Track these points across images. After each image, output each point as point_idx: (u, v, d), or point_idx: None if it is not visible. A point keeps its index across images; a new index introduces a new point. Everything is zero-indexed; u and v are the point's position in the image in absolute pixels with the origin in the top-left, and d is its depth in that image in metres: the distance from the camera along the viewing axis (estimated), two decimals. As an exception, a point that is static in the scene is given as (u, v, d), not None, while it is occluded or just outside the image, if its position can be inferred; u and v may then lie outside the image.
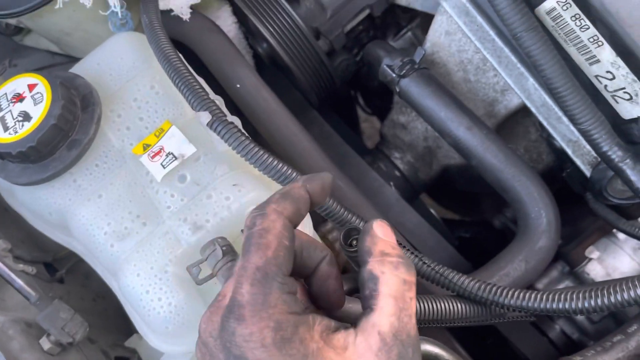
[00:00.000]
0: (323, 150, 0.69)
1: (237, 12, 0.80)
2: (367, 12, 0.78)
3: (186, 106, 0.62)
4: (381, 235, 0.42)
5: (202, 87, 0.59)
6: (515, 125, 0.78)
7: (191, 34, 0.73)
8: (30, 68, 0.83)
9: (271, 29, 0.75)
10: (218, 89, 0.70)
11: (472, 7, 0.66)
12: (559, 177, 0.79)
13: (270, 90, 0.71)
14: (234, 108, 0.71)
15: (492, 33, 0.66)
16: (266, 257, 0.37)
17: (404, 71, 0.69)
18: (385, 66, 0.70)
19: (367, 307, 0.39)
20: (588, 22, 0.54)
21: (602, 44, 0.55)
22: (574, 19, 0.55)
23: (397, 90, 0.70)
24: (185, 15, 0.73)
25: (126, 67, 0.65)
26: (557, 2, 0.55)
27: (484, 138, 0.65)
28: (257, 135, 0.68)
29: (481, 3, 0.66)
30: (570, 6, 0.54)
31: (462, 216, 1.27)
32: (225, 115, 0.57)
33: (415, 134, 0.84)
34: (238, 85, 0.71)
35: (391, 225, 0.43)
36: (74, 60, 0.83)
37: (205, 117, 0.57)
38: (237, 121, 0.58)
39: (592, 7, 0.52)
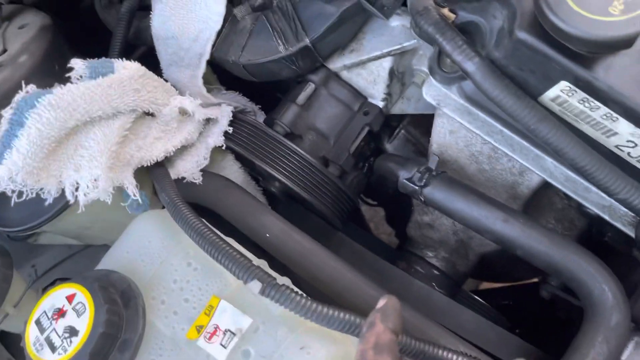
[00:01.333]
0: (366, 276, 0.68)
1: (241, 158, 0.82)
2: (367, 130, 0.80)
3: (228, 275, 0.61)
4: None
5: (241, 254, 0.58)
6: (539, 199, 0.79)
7: (207, 195, 0.73)
8: (49, 265, 0.82)
9: (282, 170, 0.76)
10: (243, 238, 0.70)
11: (472, 107, 0.69)
12: (595, 238, 0.79)
13: (299, 230, 0.71)
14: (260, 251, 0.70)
15: (498, 125, 0.68)
16: None
17: (424, 180, 0.70)
18: (404, 180, 0.71)
19: None
20: (598, 103, 0.56)
21: (617, 119, 0.56)
22: (581, 102, 0.57)
23: (422, 199, 0.71)
24: (197, 179, 0.73)
25: (156, 250, 0.65)
26: (560, 90, 0.58)
27: (523, 227, 0.65)
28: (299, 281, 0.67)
29: (479, 100, 0.69)
30: (576, 92, 0.57)
31: (496, 282, 1.25)
32: (274, 279, 0.56)
33: (443, 230, 0.84)
34: (267, 235, 0.70)
35: None
36: (91, 245, 0.82)
37: (256, 286, 0.56)
38: (287, 281, 0.57)
39: (600, 90, 0.54)
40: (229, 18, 0.79)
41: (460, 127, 0.73)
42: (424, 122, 0.83)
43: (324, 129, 0.80)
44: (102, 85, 0.64)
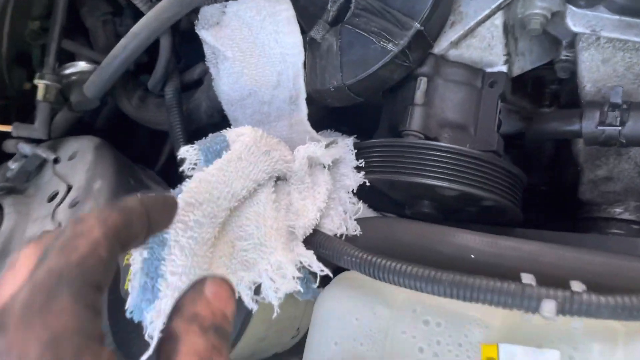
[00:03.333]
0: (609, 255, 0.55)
1: (374, 188, 0.69)
2: (500, 102, 0.68)
3: (484, 314, 0.47)
4: (210, 295, 0.35)
5: (494, 281, 0.45)
6: None
7: (379, 240, 0.61)
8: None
9: (444, 176, 0.63)
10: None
11: (632, 18, 0.58)
12: None
13: (505, 236, 0.58)
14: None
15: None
16: (67, 260, 0.30)
17: (619, 118, 0.58)
18: (594, 129, 0.59)
19: None
20: None
21: None
22: None
23: (623, 141, 0.59)
24: (356, 229, 0.61)
25: (369, 323, 0.52)
26: None
27: None
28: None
29: (636, 6, 0.58)
30: None
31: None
32: (571, 290, 0.43)
33: (626, 176, 0.71)
34: (473, 256, 0.57)
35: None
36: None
37: (550, 306, 0.42)
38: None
39: None
40: (307, 45, 0.68)
41: (614, 52, 0.62)
42: (515, 84, 0.72)
43: (458, 119, 0.68)
44: (232, 159, 0.52)
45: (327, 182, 0.61)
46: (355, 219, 0.62)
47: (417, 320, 0.49)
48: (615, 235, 0.72)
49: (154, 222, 0.36)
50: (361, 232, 0.61)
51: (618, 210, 0.74)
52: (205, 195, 0.48)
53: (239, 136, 0.55)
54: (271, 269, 0.48)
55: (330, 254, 0.55)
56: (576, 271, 0.52)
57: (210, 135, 0.57)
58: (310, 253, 0.52)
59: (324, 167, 0.64)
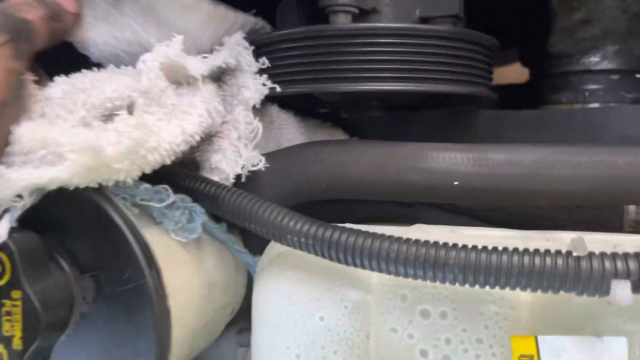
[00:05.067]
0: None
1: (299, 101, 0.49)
2: None
3: (510, 299, 0.33)
4: None
5: (519, 251, 0.30)
6: None
7: (311, 177, 0.42)
8: None
9: (382, 71, 0.44)
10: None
11: None
12: None
13: (494, 145, 0.42)
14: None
15: None
16: None
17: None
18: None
19: None
20: None
21: None
22: None
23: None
24: (260, 162, 0.42)
25: (336, 322, 0.35)
26: None
27: None
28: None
29: None
30: None
31: None
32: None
33: (607, 14, 0.56)
34: (456, 183, 0.41)
35: None
36: None
37: (624, 288, 0.28)
38: None
39: None
40: None
41: None
42: None
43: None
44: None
45: (206, 101, 0.40)
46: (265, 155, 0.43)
47: (411, 311, 0.34)
48: (593, 93, 0.59)
49: None
50: (268, 166, 0.42)
51: (594, 59, 0.59)
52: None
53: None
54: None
55: (251, 224, 0.37)
56: (611, 183, 0.38)
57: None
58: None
59: (200, 80, 0.42)
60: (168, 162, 0.37)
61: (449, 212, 0.57)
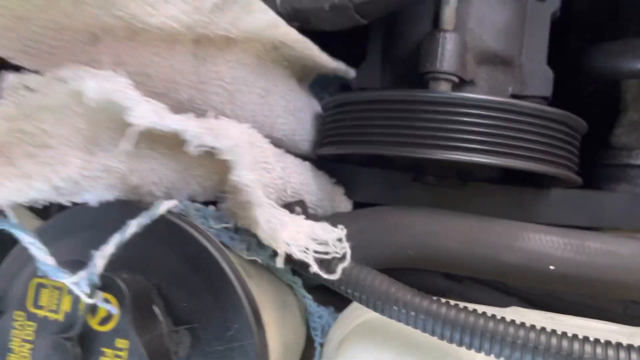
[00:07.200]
0: None
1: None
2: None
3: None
4: None
5: None
6: None
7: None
8: None
9: (464, 144, 0.43)
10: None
11: None
12: None
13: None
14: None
15: None
16: None
17: None
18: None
19: None
20: None
21: None
22: None
23: None
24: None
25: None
26: None
27: None
28: None
29: None
30: None
31: None
32: None
33: (674, 115, 0.57)
34: (552, 267, 0.40)
35: None
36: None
37: None
38: None
39: None
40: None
41: None
42: None
43: (500, 47, 0.46)
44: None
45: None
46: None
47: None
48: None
49: None
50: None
51: (653, 152, 0.60)
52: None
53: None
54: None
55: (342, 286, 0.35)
56: None
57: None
58: None
59: None
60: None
61: (498, 292, 0.56)
